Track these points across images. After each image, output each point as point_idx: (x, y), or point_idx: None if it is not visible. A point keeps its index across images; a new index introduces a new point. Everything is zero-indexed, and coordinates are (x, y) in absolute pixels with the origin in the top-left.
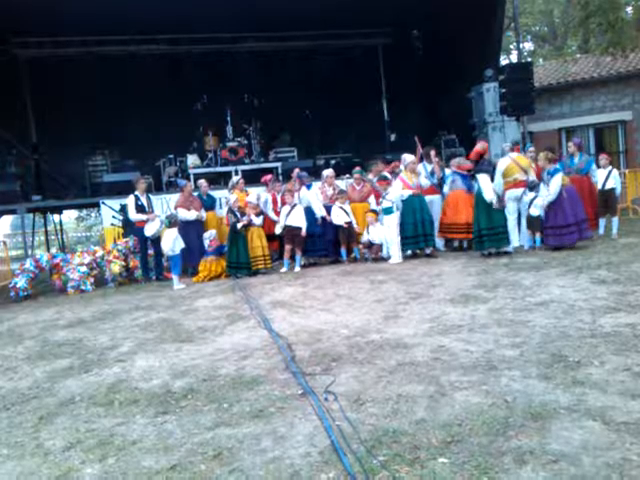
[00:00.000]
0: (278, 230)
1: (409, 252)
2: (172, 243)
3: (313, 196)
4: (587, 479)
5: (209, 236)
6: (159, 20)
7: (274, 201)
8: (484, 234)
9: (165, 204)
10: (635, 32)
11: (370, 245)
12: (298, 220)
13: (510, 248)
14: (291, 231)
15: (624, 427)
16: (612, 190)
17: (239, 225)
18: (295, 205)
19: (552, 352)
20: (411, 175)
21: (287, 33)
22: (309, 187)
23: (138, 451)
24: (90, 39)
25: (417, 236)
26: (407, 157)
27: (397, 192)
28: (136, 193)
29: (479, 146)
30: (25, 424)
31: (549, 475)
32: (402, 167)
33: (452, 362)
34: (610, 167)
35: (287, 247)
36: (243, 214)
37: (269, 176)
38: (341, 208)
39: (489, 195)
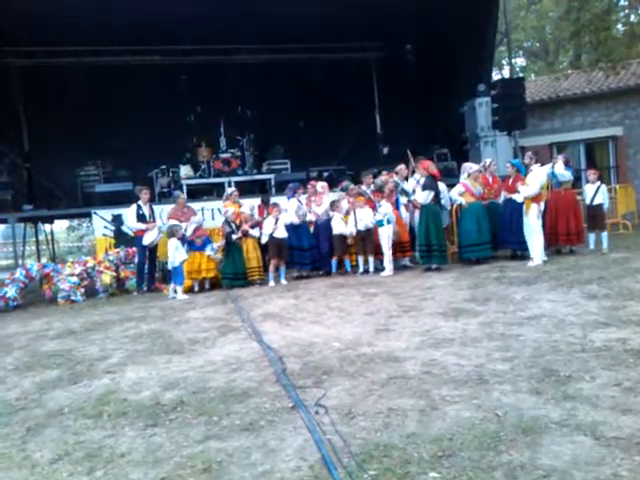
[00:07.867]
0: (264, 240)
1: (473, 259)
2: (173, 254)
3: (290, 207)
4: None
5: (197, 222)
6: (153, 31)
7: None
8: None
9: (158, 215)
10: (625, 49)
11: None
12: (282, 232)
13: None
14: (276, 243)
15: (614, 442)
16: (600, 205)
17: (234, 237)
18: (278, 218)
19: (543, 366)
20: (475, 183)
21: (281, 45)
22: (289, 198)
23: (127, 464)
24: (83, 49)
25: (483, 244)
26: (473, 165)
27: (454, 194)
28: (139, 203)
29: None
30: (13, 435)
31: None
32: (465, 174)
33: (443, 376)
34: (599, 182)
35: (273, 261)
36: (238, 227)
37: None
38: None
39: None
